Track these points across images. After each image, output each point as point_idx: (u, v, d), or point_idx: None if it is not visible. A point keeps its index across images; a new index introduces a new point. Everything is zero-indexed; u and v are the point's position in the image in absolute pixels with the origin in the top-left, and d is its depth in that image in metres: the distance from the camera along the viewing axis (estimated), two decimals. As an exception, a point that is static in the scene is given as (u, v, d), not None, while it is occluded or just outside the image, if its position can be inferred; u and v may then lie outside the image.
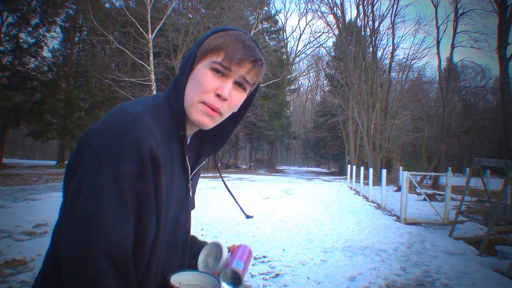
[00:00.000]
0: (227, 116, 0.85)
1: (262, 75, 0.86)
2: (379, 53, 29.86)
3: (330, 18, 47.48)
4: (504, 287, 4.34)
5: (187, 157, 0.84)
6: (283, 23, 52.48)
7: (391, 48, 30.28)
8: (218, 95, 0.80)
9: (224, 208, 9.87)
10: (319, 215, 9.33)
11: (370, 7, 27.72)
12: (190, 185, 0.89)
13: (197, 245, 1.07)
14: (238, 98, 0.83)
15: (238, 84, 0.82)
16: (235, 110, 0.86)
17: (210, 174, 26.73)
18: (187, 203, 0.90)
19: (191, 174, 0.88)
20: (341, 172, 36.94)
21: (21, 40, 23.00)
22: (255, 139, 43.77)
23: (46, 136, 24.43)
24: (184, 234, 0.91)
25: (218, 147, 0.94)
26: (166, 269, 0.83)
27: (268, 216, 8.86)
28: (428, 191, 14.65)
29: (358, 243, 6.39)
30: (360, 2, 27.91)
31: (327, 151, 44.00)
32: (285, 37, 44.21)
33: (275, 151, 48.70)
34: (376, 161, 24.64)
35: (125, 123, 0.71)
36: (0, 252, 4.70)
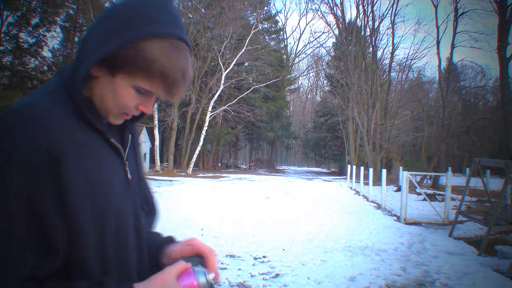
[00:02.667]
0: None
1: None
2: (379, 53, 29.91)
3: (330, 18, 47.64)
4: (504, 287, 4.34)
5: (114, 142, 0.74)
6: (283, 23, 52.61)
7: (391, 48, 30.30)
8: (139, 110, 0.72)
9: (224, 208, 9.87)
10: (319, 215, 9.33)
11: (370, 7, 27.75)
12: (127, 167, 0.77)
13: (159, 241, 0.90)
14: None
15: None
16: None
17: (210, 174, 26.74)
18: (130, 188, 0.77)
19: (125, 153, 0.77)
20: (341, 172, 36.95)
21: (21, 40, 23.02)
22: (255, 139, 43.79)
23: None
24: (136, 223, 0.77)
25: (140, 117, 0.80)
26: (124, 273, 0.72)
27: (268, 216, 8.86)
28: (428, 191, 14.65)
29: (358, 243, 6.39)
30: (360, 2, 27.94)
31: (327, 151, 44.02)
32: (285, 37, 44.29)
33: (275, 151, 48.73)
34: (376, 161, 24.64)
35: (13, 118, 0.62)
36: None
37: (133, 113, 0.72)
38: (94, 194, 0.66)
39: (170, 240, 0.88)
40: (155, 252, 0.83)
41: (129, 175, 0.77)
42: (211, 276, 0.73)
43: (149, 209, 0.89)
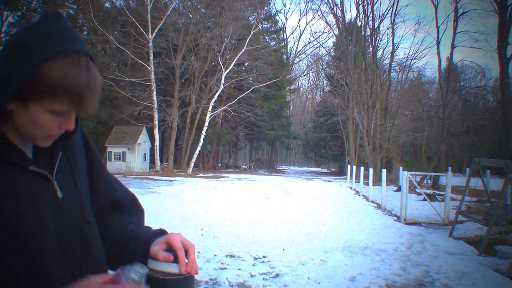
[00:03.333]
0: None
1: None
2: (379, 53, 29.92)
3: (330, 18, 47.59)
4: (504, 287, 4.34)
5: (36, 169, 0.73)
6: (283, 23, 52.61)
7: (391, 48, 30.34)
8: (62, 128, 0.72)
9: (224, 208, 9.87)
10: (319, 215, 9.33)
11: (370, 7, 27.77)
12: (55, 186, 0.76)
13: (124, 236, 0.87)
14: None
15: None
16: None
17: (210, 174, 26.75)
18: (62, 205, 0.76)
19: (53, 173, 0.77)
20: (341, 172, 36.96)
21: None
22: (255, 139, 43.81)
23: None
24: (75, 237, 0.77)
25: (71, 134, 0.79)
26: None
27: (268, 216, 8.86)
28: (428, 191, 14.65)
29: (358, 243, 6.39)
30: (360, 2, 27.95)
31: (327, 151, 44.02)
32: (285, 37, 44.30)
33: (275, 151, 48.74)
34: (376, 161, 24.65)
35: None
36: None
37: (57, 133, 0.73)
38: (8, 226, 0.67)
39: (161, 233, 0.86)
40: (144, 246, 0.81)
41: (59, 194, 0.76)
42: (144, 271, 0.70)
43: (128, 209, 0.91)
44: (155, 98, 25.52)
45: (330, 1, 30.78)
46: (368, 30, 28.16)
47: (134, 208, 0.93)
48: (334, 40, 37.16)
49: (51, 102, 0.66)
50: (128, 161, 26.35)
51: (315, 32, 65.34)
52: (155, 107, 25.64)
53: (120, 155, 26.44)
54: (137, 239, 0.83)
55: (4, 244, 0.66)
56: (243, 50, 26.94)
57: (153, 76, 25.12)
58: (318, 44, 45.04)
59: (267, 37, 37.72)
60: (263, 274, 4.53)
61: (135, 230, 0.86)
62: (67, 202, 0.77)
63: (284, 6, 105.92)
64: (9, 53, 0.68)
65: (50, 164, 0.77)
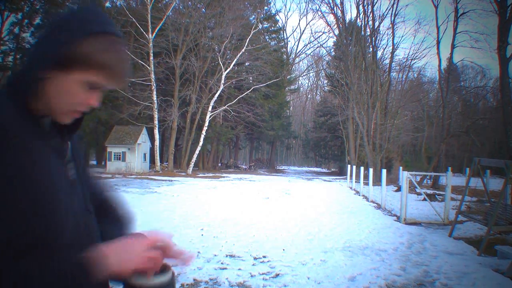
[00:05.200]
0: None
1: None
2: (379, 53, 29.91)
3: (330, 18, 47.70)
4: (504, 287, 4.34)
5: (49, 137, 0.78)
6: (283, 23, 52.72)
7: (391, 48, 30.30)
8: (88, 105, 0.77)
9: (224, 208, 9.87)
10: (319, 215, 9.33)
11: (370, 7, 27.76)
12: (68, 168, 0.81)
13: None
14: None
15: None
16: None
17: (210, 174, 26.75)
18: (73, 187, 0.80)
19: (66, 154, 0.81)
20: (341, 172, 36.96)
21: (25, 41, 23.04)
22: (255, 139, 43.80)
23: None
24: (87, 221, 0.82)
25: (78, 126, 0.84)
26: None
27: (268, 216, 8.86)
28: (428, 191, 14.64)
29: (358, 243, 6.39)
30: (360, 2, 27.94)
31: (327, 151, 44.03)
32: (285, 37, 44.30)
33: (275, 151, 48.75)
34: (376, 161, 24.65)
35: None
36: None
37: (83, 108, 0.78)
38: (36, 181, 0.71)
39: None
40: None
41: (70, 176, 0.81)
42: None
43: (116, 218, 0.96)
44: (155, 98, 25.52)
45: (330, 1, 30.80)
46: (368, 30, 28.18)
47: (118, 215, 0.97)
48: (334, 40, 37.19)
49: (88, 72, 0.73)
50: (128, 161, 26.35)
51: (315, 32, 65.35)
52: (155, 107, 25.64)
53: (120, 155, 26.43)
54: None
55: (27, 205, 0.68)
56: (243, 50, 26.93)
57: (153, 76, 25.12)
58: (318, 44, 45.08)
59: (267, 37, 37.72)
60: (263, 274, 4.53)
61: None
62: (75, 186, 0.82)
63: (284, 6, 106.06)
64: (55, 27, 0.75)
65: (63, 148, 0.82)
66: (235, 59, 26.91)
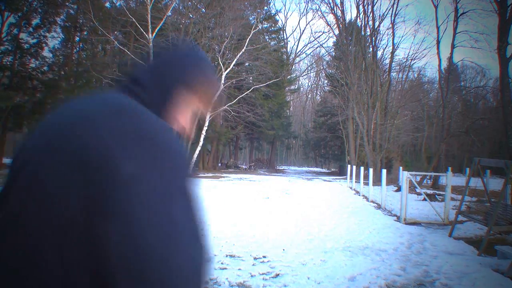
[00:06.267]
0: None
1: None
2: (379, 53, 29.88)
3: (330, 18, 47.67)
4: (504, 287, 4.34)
5: None
6: (283, 23, 52.60)
7: (391, 48, 30.29)
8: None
9: (224, 208, 9.87)
10: (319, 215, 9.33)
11: (370, 7, 27.75)
12: None
13: None
14: None
15: None
16: None
17: (210, 174, 26.74)
18: None
19: None
20: (341, 172, 36.95)
21: (23, 41, 23.03)
22: (255, 139, 43.79)
23: (46, 136, 24.43)
24: None
25: None
26: None
27: (268, 216, 8.86)
28: (428, 191, 14.64)
29: (358, 243, 6.39)
30: (360, 2, 27.94)
31: (327, 151, 44.03)
32: (285, 37, 44.27)
33: (275, 151, 48.72)
34: (376, 161, 24.64)
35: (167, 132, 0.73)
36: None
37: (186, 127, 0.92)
38: None
39: None
40: None
41: None
42: None
43: None
44: (155, 98, 25.51)
45: (330, 1, 30.78)
46: (368, 30, 28.17)
47: None
48: (334, 40, 37.18)
49: (199, 99, 0.89)
50: (128, 161, 26.28)
51: (315, 32, 65.43)
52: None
53: (120, 155, 26.38)
54: None
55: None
56: (243, 50, 26.92)
57: (153, 76, 25.09)
58: (318, 44, 45.08)
59: (267, 37, 37.69)
60: (263, 274, 4.53)
61: None
62: None
63: (284, 6, 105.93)
64: (179, 59, 0.91)
65: None
66: (235, 59, 26.90)
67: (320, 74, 53.38)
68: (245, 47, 26.93)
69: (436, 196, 13.58)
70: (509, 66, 14.32)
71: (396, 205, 11.12)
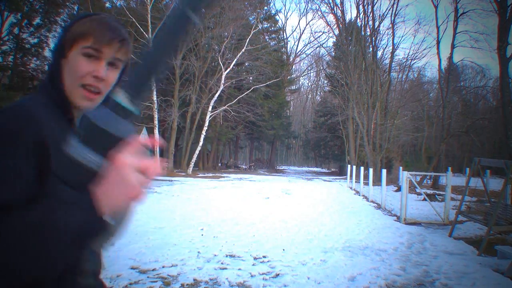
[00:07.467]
0: (105, 94, 0.91)
1: (131, 52, 0.94)
2: (379, 53, 29.91)
3: (330, 18, 47.60)
4: (504, 287, 4.34)
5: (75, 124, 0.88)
6: (283, 23, 52.65)
7: (391, 48, 30.30)
8: (96, 77, 0.86)
9: (224, 208, 9.87)
10: (319, 215, 9.33)
11: (370, 7, 27.77)
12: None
13: None
14: (113, 76, 0.90)
15: (111, 64, 0.89)
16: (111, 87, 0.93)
17: (210, 174, 26.74)
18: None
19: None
20: (341, 172, 36.96)
21: (25, 41, 23.04)
22: (255, 139, 43.79)
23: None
24: None
25: None
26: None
27: (268, 216, 8.86)
28: (428, 191, 14.65)
29: (358, 243, 6.39)
30: (360, 2, 27.95)
31: (327, 151, 44.02)
32: (285, 37, 44.28)
33: (275, 151, 48.72)
34: (376, 161, 24.64)
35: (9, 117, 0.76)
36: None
37: (89, 82, 0.85)
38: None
39: None
40: None
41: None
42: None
43: None
44: (155, 98, 25.50)
45: (330, 1, 30.77)
46: (368, 30, 28.18)
47: None
48: (334, 40, 37.18)
49: (80, 41, 0.85)
50: (128, 161, 26.30)
51: (315, 32, 65.28)
52: (155, 107, 25.62)
53: (120, 155, 26.40)
54: None
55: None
56: (243, 50, 26.92)
57: (153, 76, 25.10)
58: (318, 44, 45.05)
59: (267, 37, 37.70)
60: (263, 274, 4.53)
61: None
62: None
63: (284, 6, 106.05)
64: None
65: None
66: (235, 59, 26.90)
67: (320, 74, 53.44)
68: (245, 47, 26.93)
69: (436, 196, 13.58)
70: (509, 66, 14.32)
71: (396, 205, 11.12)
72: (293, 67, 47.45)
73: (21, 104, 0.80)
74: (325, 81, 46.53)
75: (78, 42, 0.85)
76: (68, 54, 0.85)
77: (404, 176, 9.32)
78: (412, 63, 33.08)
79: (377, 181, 18.39)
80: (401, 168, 15.97)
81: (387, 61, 30.04)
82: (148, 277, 4.19)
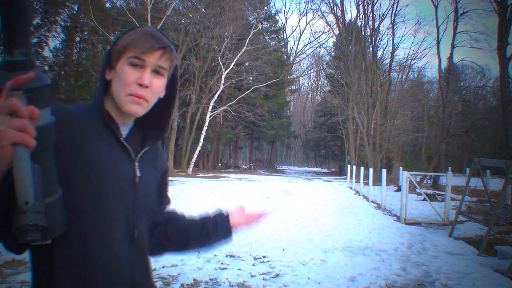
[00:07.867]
0: (154, 101, 0.96)
1: (175, 59, 0.97)
2: (379, 53, 29.89)
3: (330, 18, 47.57)
4: (504, 287, 4.34)
5: (123, 141, 0.94)
6: (283, 23, 52.51)
7: (391, 48, 30.31)
8: (140, 84, 0.90)
9: (224, 208, 9.86)
10: (319, 215, 9.33)
11: (370, 7, 27.76)
12: (136, 166, 0.96)
13: (181, 224, 1.20)
14: (158, 83, 0.94)
15: (155, 72, 0.93)
16: (161, 95, 0.98)
17: (210, 174, 26.74)
18: (135, 183, 0.95)
19: (136, 156, 0.96)
20: (341, 172, 36.95)
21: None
22: (255, 139, 43.78)
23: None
24: (132, 209, 0.94)
25: (162, 131, 1.05)
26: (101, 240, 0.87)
27: (268, 216, 8.85)
28: (428, 191, 14.64)
29: (358, 243, 6.39)
30: (360, 2, 27.94)
31: (327, 151, 44.02)
32: (285, 37, 44.26)
33: (275, 151, 48.72)
34: (376, 161, 24.64)
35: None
36: (0, 252, 4.69)
37: (135, 90, 0.90)
38: (86, 166, 0.86)
39: (220, 211, 1.37)
40: (227, 219, 1.36)
41: (137, 173, 0.95)
42: None
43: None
44: (155, 98, 25.51)
45: (330, 1, 30.77)
46: (368, 30, 28.17)
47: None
48: (334, 40, 37.17)
49: (125, 52, 0.91)
50: (128, 161, 26.26)
51: (315, 32, 65.24)
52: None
53: (120, 155, 26.36)
54: (213, 217, 1.33)
55: (82, 191, 0.85)
56: (243, 50, 26.91)
57: (153, 76, 25.07)
58: (318, 44, 45.05)
59: (267, 37, 37.68)
60: (263, 274, 4.53)
61: (198, 215, 1.28)
62: (142, 183, 0.96)
63: (284, 6, 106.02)
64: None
65: (137, 150, 0.98)
66: (235, 59, 26.89)
67: (320, 74, 53.43)
68: (245, 47, 26.92)
69: (436, 196, 13.57)
70: (509, 66, 14.32)
71: (396, 205, 11.12)
72: (293, 67, 47.43)
73: (65, 105, 0.91)
74: (325, 81, 46.56)
75: (123, 53, 0.91)
76: (116, 66, 0.92)
77: (404, 176, 9.32)
78: (412, 63, 33.12)
79: (377, 181, 18.39)
80: (401, 168, 15.96)
81: (387, 61, 30.06)
82: (148, 277, 4.18)
